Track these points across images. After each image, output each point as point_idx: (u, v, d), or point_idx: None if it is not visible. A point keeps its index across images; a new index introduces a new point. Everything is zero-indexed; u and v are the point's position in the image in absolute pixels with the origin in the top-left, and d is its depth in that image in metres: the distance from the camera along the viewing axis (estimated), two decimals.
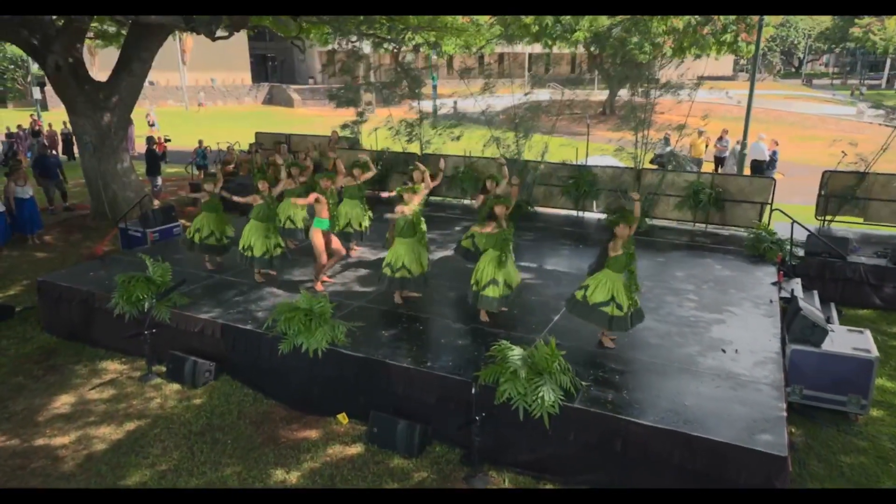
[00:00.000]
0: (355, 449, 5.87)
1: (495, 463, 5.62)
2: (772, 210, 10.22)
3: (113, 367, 7.52)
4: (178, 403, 6.67)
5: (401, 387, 6.11)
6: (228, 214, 8.98)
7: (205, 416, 6.41)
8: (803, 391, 6.39)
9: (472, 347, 6.44)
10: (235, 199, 8.22)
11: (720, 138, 17.89)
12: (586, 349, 6.35)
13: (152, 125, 26.47)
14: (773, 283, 8.27)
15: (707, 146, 17.85)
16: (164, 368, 7.28)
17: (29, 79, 37.22)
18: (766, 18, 30.56)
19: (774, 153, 16.09)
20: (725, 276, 8.66)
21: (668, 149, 14.27)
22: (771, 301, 7.68)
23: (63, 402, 6.72)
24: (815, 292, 8.16)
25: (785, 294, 7.92)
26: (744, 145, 15.28)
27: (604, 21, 28.47)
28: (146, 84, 46.81)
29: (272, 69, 59.66)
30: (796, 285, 8.28)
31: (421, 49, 41.10)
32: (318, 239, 7.82)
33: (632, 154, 11.55)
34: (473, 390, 5.44)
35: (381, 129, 13.78)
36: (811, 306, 6.94)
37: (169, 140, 15.70)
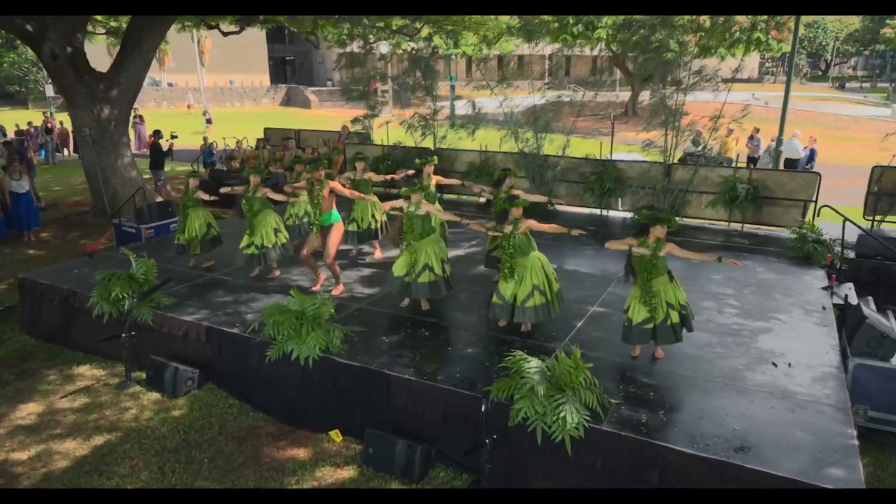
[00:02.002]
0: (347, 472, 5.11)
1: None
2: (817, 208, 9.28)
3: (90, 372, 6.87)
4: (154, 415, 5.98)
5: (401, 401, 5.36)
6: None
7: (182, 431, 5.71)
8: (868, 412, 5.52)
9: (483, 357, 5.66)
10: (223, 190, 7.57)
11: (751, 137, 16.89)
12: (614, 360, 5.54)
13: (209, 122, 26.47)
14: (825, 288, 7.37)
15: (736, 144, 16.92)
16: (144, 375, 6.60)
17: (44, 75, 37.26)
18: (792, 26, 29.49)
19: (812, 151, 15.09)
20: (769, 279, 7.77)
21: (699, 147, 13.40)
22: (824, 308, 6.80)
23: (29, 412, 6.06)
24: (871, 298, 7.24)
25: (838, 300, 7.04)
26: (779, 141, 14.30)
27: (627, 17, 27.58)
28: (164, 85, 46.47)
29: (291, 71, 59.53)
30: (849, 290, 7.38)
31: (438, 49, 40.66)
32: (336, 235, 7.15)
33: (660, 148, 10.68)
34: (483, 408, 4.67)
35: (393, 124, 13.09)
36: (876, 315, 6.05)
37: (176, 137, 15.15)
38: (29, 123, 21.82)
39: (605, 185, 10.81)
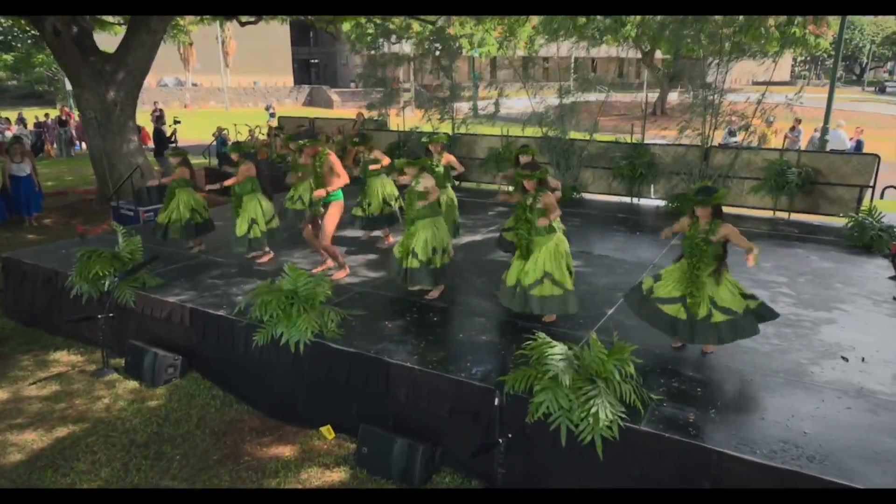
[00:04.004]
0: (337, 474, 4.38)
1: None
2: (882, 189, 8.31)
3: (66, 358, 6.25)
4: (128, 405, 5.32)
5: (402, 394, 4.61)
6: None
7: (155, 423, 5.03)
8: None
9: (499, 345, 4.89)
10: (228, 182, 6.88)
11: (792, 128, 15.89)
12: (653, 352, 4.72)
13: (273, 115, 26.48)
14: (893, 278, 6.46)
15: (776, 136, 15.94)
16: (124, 362, 5.96)
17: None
18: (830, 21, 28.16)
19: (859, 142, 14.06)
20: (826, 268, 6.87)
21: (734, 140, 12.50)
22: (895, 298, 5.89)
23: None
24: None
25: None
26: (825, 131, 13.32)
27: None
28: (189, 85, 46.68)
29: (315, 73, 59.51)
30: None
31: (462, 49, 40.03)
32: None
33: (699, 132, 9.80)
34: (497, 401, 3.90)
35: (412, 117, 12.43)
36: None
37: (178, 122, 14.65)
38: (46, 115, 21.65)
39: (636, 171, 9.97)
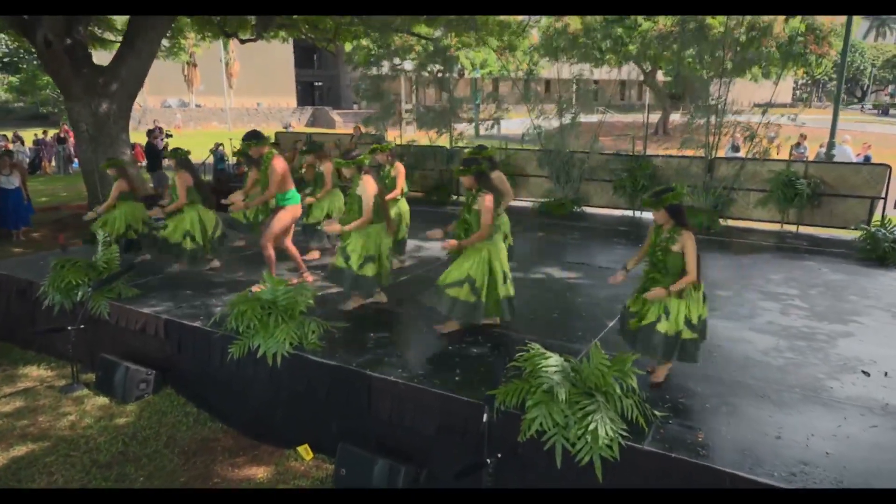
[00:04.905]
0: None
1: None
2: (889, 201, 8.01)
3: (36, 373, 5.91)
4: (94, 423, 4.97)
5: (386, 409, 4.26)
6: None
7: (121, 442, 4.67)
8: None
9: (490, 357, 4.54)
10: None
11: (798, 144, 15.61)
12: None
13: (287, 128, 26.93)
14: None
15: (779, 153, 15.68)
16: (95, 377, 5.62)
17: None
18: (832, 41, 28.10)
19: (867, 158, 13.75)
20: (838, 280, 6.53)
21: (737, 154, 12.22)
22: None
23: None
24: None
25: None
26: (831, 145, 13.05)
27: (664, 21, 26.61)
28: (193, 106, 46.90)
29: (318, 95, 59.86)
30: None
31: (464, 70, 40.14)
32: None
33: (702, 144, 9.53)
34: (486, 417, 3.55)
35: (409, 131, 12.21)
36: None
37: (171, 136, 14.46)
38: (44, 132, 21.59)
39: (638, 183, 9.68)
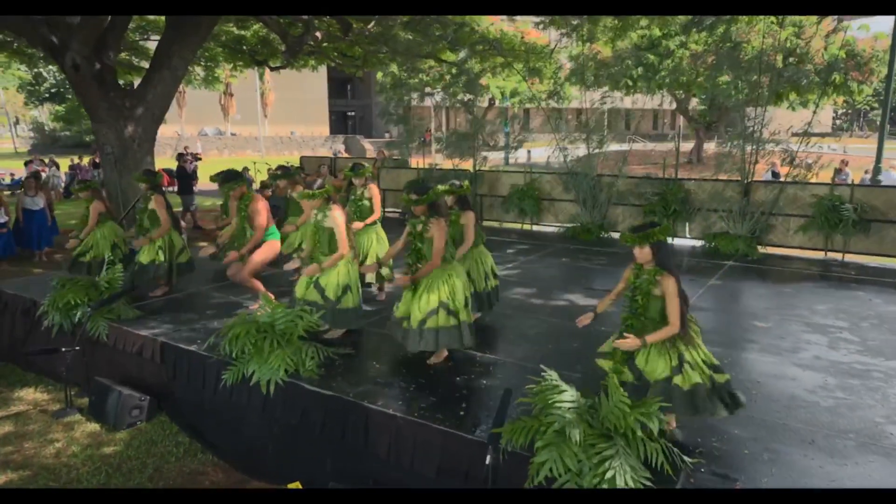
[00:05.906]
0: None
1: None
2: None
3: (31, 396, 5.69)
4: (81, 451, 4.68)
5: (384, 447, 3.86)
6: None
7: (105, 473, 4.37)
8: None
9: (500, 391, 4.11)
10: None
11: (839, 171, 14.93)
12: None
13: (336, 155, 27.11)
14: None
15: (817, 176, 15.02)
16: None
17: None
18: (874, 67, 27.21)
19: None
20: (892, 312, 5.93)
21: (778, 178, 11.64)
22: None
23: None
24: None
25: None
26: (877, 170, 12.37)
27: (696, 44, 26.21)
28: (228, 134, 47.89)
29: (351, 125, 60.85)
30: None
31: (495, 100, 40.23)
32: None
33: (737, 167, 9.03)
34: (488, 459, 3.13)
35: (432, 156, 12.00)
36: None
37: (200, 159, 14.52)
38: (79, 157, 22.16)
39: (669, 208, 9.20)
